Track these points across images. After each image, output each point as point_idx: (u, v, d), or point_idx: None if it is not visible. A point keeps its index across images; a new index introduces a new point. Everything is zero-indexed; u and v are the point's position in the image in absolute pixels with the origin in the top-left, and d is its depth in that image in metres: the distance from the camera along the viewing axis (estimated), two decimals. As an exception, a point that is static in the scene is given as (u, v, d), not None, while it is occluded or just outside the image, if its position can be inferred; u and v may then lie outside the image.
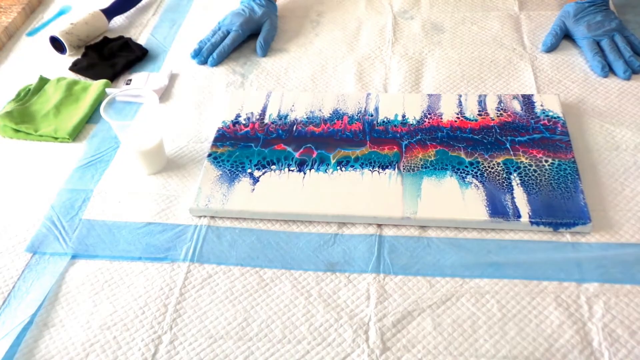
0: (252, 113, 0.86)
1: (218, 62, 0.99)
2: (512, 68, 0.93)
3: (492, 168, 0.74)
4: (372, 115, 0.84)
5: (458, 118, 0.82)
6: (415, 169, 0.75)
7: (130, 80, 0.96)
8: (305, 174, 0.76)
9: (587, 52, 0.92)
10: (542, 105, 0.82)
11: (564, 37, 0.97)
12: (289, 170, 0.77)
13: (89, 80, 0.97)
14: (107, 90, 0.94)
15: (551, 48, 0.95)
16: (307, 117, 0.84)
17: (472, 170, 0.74)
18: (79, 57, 1.02)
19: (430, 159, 0.76)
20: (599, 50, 0.91)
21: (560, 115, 0.80)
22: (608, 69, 0.89)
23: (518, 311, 0.62)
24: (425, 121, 0.82)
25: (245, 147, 0.80)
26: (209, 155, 0.80)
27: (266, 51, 1.00)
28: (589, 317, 0.61)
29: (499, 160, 0.75)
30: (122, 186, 0.79)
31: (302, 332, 0.62)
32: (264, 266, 0.68)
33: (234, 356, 0.60)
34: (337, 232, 0.71)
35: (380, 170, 0.75)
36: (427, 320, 0.62)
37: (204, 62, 0.99)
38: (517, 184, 0.72)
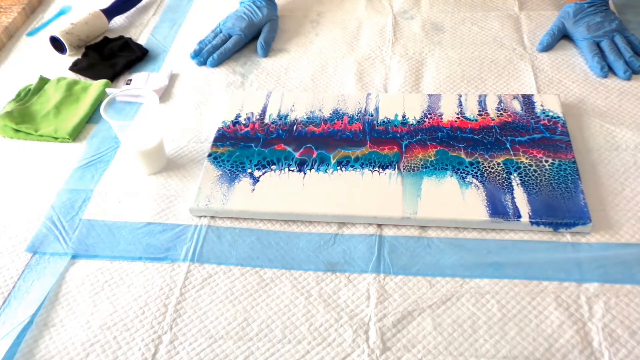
0: (252, 113, 0.86)
1: (218, 64, 0.99)
2: (512, 68, 0.93)
3: (492, 168, 0.74)
4: (372, 115, 0.84)
5: (458, 118, 0.82)
6: (415, 169, 0.75)
7: (130, 80, 0.96)
8: (305, 174, 0.76)
9: (587, 53, 0.92)
10: (542, 105, 0.82)
11: (564, 36, 0.97)
12: (289, 170, 0.77)
13: (89, 80, 0.97)
14: (107, 90, 0.94)
15: (547, 47, 0.95)
16: (307, 117, 0.84)
17: (472, 170, 0.74)
18: (79, 57, 1.02)
19: (430, 159, 0.76)
20: (599, 51, 0.91)
21: (561, 115, 0.80)
22: (607, 69, 0.89)
23: (518, 311, 0.62)
24: (425, 121, 0.82)
25: (246, 147, 0.80)
26: (209, 155, 0.80)
27: (267, 52, 1.00)
28: (589, 317, 0.61)
29: (499, 160, 0.75)
30: (122, 186, 0.79)
31: (302, 332, 0.62)
32: (264, 266, 0.68)
33: (234, 356, 0.60)
34: (337, 232, 0.71)
35: (380, 170, 0.75)
36: (427, 320, 0.62)
37: (203, 63, 0.99)
38: (517, 184, 0.72)
